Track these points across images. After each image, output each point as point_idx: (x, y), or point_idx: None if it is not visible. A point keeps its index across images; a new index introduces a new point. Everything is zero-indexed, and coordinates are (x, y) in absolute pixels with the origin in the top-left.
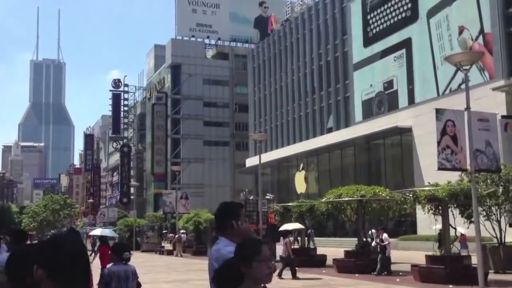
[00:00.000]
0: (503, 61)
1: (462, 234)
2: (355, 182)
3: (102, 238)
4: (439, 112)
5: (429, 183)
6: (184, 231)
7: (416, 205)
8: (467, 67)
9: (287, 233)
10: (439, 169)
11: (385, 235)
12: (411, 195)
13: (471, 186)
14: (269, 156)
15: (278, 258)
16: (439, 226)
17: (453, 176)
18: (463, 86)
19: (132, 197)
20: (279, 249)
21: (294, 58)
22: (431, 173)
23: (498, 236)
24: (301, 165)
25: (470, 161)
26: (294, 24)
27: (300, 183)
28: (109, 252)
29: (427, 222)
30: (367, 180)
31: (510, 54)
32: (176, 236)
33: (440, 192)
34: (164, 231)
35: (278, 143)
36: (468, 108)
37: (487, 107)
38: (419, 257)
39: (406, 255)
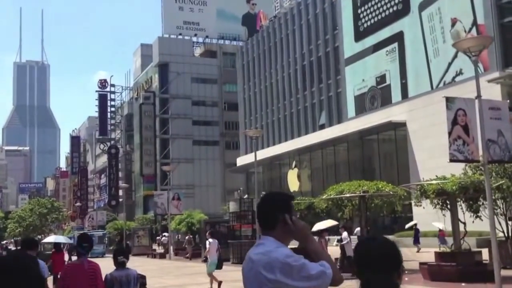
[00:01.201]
0: (497, 52)
1: (440, 230)
2: (349, 179)
3: (56, 246)
4: (449, 100)
5: (436, 176)
6: (167, 234)
7: (423, 199)
8: (476, 54)
9: (321, 232)
10: (451, 161)
11: (344, 234)
12: (418, 190)
13: (485, 178)
14: (260, 154)
15: None
16: (412, 222)
17: (454, 169)
18: (457, 79)
19: (121, 199)
20: None
21: (284, 55)
22: (427, 168)
23: (505, 231)
24: (294, 163)
25: (482, 151)
26: (283, 20)
27: (292, 181)
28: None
29: (424, 218)
30: (361, 177)
31: (504, 45)
32: (187, 237)
33: (449, 185)
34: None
35: (269, 141)
36: (478, 96)
37: None
38: (418, 254)
39: (404, 252)
